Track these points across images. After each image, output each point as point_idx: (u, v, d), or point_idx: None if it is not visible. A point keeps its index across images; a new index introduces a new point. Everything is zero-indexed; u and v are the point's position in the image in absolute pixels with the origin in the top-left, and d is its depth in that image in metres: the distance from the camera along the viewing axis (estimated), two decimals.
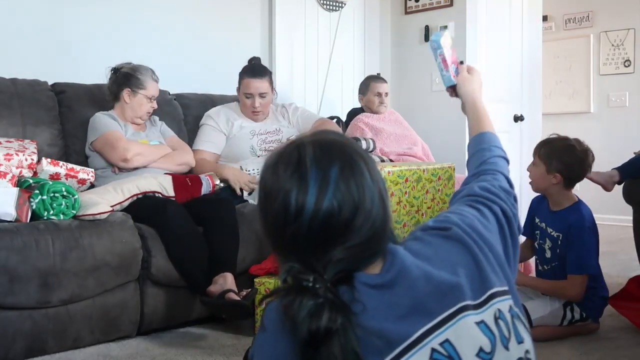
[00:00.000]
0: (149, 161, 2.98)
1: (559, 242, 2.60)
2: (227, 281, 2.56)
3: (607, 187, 2.92)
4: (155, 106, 3.15)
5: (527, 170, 2.72)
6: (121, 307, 2.51)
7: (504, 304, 1.00)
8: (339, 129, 3.59)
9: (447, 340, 0.92)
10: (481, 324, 0.95)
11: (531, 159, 2.73)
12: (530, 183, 2.72)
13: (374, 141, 3.72)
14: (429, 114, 4.76)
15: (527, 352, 1.00)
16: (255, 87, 3.36)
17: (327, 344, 0.87)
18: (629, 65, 5.40)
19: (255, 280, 2.67)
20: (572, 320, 2.58)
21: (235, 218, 2.79)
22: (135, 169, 2.94)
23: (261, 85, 3.38)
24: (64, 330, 2.37)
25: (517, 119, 4.90)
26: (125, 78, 3.07)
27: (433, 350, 0.90)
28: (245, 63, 3.49)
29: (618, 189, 3.00)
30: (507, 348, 0.97)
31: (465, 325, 0.94)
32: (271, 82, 3.44)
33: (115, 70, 3.11)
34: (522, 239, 3.17)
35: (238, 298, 2.48)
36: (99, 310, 2.45)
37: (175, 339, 2.57)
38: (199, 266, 2.62)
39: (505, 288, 1.02)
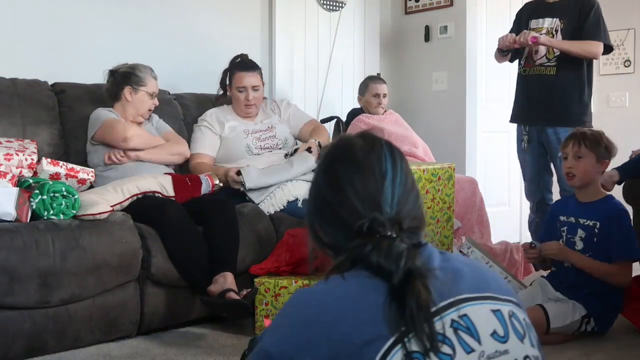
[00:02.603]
0: (146, 144, 3.04)
1: (596, 231, 2.60)
2: (227, 281, 2.56)
3: (607, 187, 2.92)
4: (157, 103, 3.17)
5: (569, 166, 2.67)
6: (121, 307, 2.51)
7: (519, 311, 1.08)
8: (328, 135, 3.57)
9: (466, 315, 1.00)
10: (497, 312, 1.03)
11: None
12: (571, 177, 2.68)
13: None
14: (429, 114, 4.76)
15: (534, 357, 1.05)
16: (248, 81, 3.38)
17: (413, 283, 0.97)
18: (629, 65, 5.39)
19: (255, 280, 2.67)
20: (584, 332, 2.57)
21: (235, 218, 2.79)
22: (134, 173, 2.94)
23: (253, 79, 3.40)
24: (64, 330, 2.37)
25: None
26: (125, 77, 3.08)
27: (453, 320, 0.99)
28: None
29: (618, 189, 3.00)
30: (521, 341, 1.04)
31: (484, 309, 1.02)
32: (262, 77, 3.47)
33: (113, 72, 3.12)
34: None
35: (238, 297, 2.49)
36: (99, 310, 2.45)
37: (175, 339, 2.56)
38: (199, 266, 2.62)
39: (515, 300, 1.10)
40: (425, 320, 0.96)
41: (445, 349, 0.96)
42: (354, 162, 1.10)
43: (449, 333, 0.97)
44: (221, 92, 3.54)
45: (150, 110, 3.16)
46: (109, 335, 2.49)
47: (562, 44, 3.46)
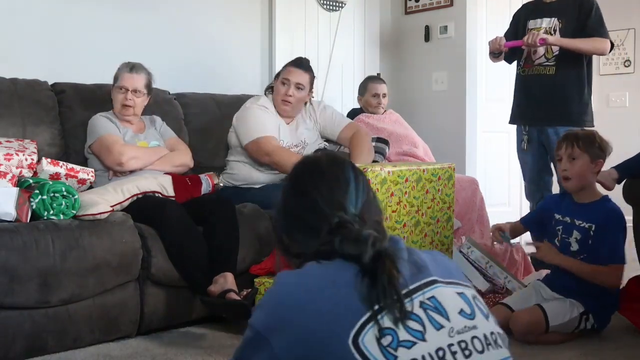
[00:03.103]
0: (145, 164, 2.97)
1: (591, 233, 2.59)
2: (227, 281, 2.56)
3: (608, 186, 2.92)
4: (130, 97, 3.02)
5: (563, 169, 2.67)
6: (121, 307, 2.51)
7: (480, 296, 1.18)
8: (369, 139, 3.46)
9: (433, 297, 1.09)
10: (462, 294, 1.13)
11: None
12: (566, 180, 2.67)
13: (388, 142, 3.68)
14: (429, 114, 4.76)
15: (499, 334, 1.14)
16: (294, 75, 3.33)
17: (384, 261, 1.06)
18: (629, 65, 5.39)
19: (255, 280, 2.67)
20: (584, 329, 2.57)
21: (235, 218, 2.79)
22: (133, 172, 2.94)
23: (301, 77, 3.34)
24: (64, 330, 2.37)
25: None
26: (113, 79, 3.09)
27: (421, 302, 1.07)
28: (245, 63, 3.49)
29: (618, 189, 3.00)
30: (486, 319, 1.12)
31: (449, 290, 1.12)
32: (312, 82, 3.42)
33: None
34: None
35: (239, 298, 2.49)
36: (99, 310, 2.45)
37: (175, 339, 2.56)
38: (199, 266, 2.62)
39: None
40: (395, 293, 1.04)
41: (416, 325, 1.04)
42: (319, 172, 1.25)
43: (419, 312, 1.06)
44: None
45: (125, 106, 3.03)
46: (109, 335, 2.49)
47: (573, 42, 3.46)
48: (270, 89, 3.46)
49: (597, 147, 2.64)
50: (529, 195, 3.76)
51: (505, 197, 4.91)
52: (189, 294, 2.66)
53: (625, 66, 5.41)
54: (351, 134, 3.43)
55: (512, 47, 3.63)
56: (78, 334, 2.40)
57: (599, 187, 2.78)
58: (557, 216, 2.72)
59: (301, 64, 3.39)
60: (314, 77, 3.45)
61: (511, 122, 3.81)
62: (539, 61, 3.58)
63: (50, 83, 3.21)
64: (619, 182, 2.97)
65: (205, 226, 2.72)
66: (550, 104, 3.54)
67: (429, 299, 1.08)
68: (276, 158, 3.19)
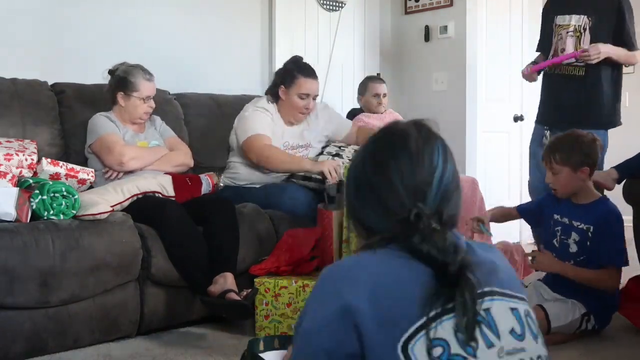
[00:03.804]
0: (145, 164, 2.97)
1: (589, 235, 2.58)
2: (227, 281, 2.56)
3: (608, 186, 2.91)
4: (153, 105, 3.09)
5: (547, 182, 2.66)
6: (121, 307, 2.51)
7: (530, 310, 1.10)
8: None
9: (488, 310, 1.02)
10: (515, 310, 1.05)
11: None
12: (554, 191, 2.67)
13: None
14: (429, 114, 4.74)
15: (546, 357, 1.08)
16: (313, 89, 3.30)
17: (466, 274, 1.00)
18: (629, 65, 5.39)
19: (255, 280, 2.67)
20: (585, 330, 2.57)
21: (235, 218, 2.79)
22: (132, 172, 2.93)
23: (317, 87, 3.33)
24: (64, 330, 2.36)
25: (517, 119, 4.90)
26: (118, 82, 3.04)
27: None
28: (245, 63, 3.48)
29: (617, 189, 3.00)
30: (535, 340, 1.06)
31: (504, 306, 1.04)
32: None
33: (111, 72, 3.10)
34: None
35: (239, 298, 2.48)
36: (99, 310, 2.45)
37: (175, 339, 2.56)
38: (199, 266, 2.62)
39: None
40: (473, 309, 0.98)
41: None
42: (406, 150, 1.10)
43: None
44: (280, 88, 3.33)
45: (146, 113, 3.08)
46: (109, 335, 2.49)
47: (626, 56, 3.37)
48: (273, 95, 3.35)
49: (580, 154, 2.58)
50: (534, 191, 3.59)
51: (505, 197, 4.90)
52: (189, 294, 2.65)
53: (626, 66, 5.40)
54: (355, 129, 3.54)
55: (541, 69, 3.50)
56: (78, 334, 2.40)
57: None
58: (556, 216, 2.71)
59: (313, 72, 3.33)
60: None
61: (537, 122, 3.64)
62: (568, 61, 3.39)
63: (50, 83, 3.20)
64: (618, 182, 2.97)
65: (205, 226, 2.72)
66: (580, 107, 3.38)
67: (484, 310, 1.01)
68: (266, 152, 3.17)
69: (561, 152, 2.60)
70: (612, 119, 3.44)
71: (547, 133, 3.47)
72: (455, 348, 0.97)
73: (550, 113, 3.52)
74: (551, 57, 3.48)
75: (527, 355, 1.03)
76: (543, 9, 3.68)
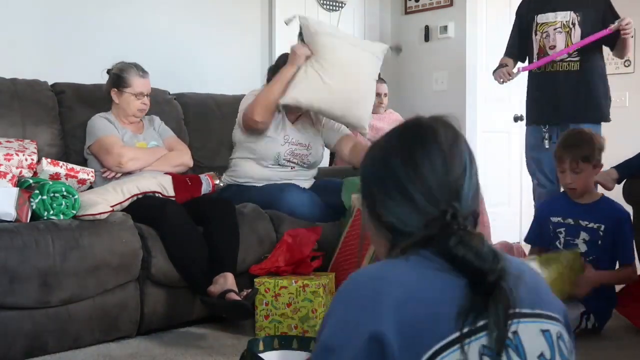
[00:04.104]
0: (144, 165, 2.97)
1: (600, 233, 2.59)
2: (227, 281, 2.56)
3: (608, 186, 2.91)
4: (147, 102, 3.07)
5: (569, 182, 2.63)
6: (121, 307, 2.51)
7: (565, 331, 1.02)
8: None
9: (516, 332, 0.94)
10: (547, 332, 0.98)
11: None
12: (571, 191, 2.66)
13: None
14: (429, 114, 4.75)
15: None
16: None
17: (502, 285, 0.92)
18: (629, 65, 5.39)
19: (255, 280, 2.67)
20: (585, 328, 2.57)
21: (235, 218, 2.79)
22: (131, 173, 2.93)
23: None
24: (64, 330, 2.36)
25: (517, 119, 4.90)
26: (112, 79, 3.05)
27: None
28: (245, 63, 3.47)
29: (617, 189, 3.00)
30: None
31: (534, 328, 0.97)
32: None
33: (108, 72, 3.11)
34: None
35: (239, 298, 2.48)
36: (99, 310, 2.45)
37: (175, 339, 2.56)
38: (199, 266, 2.62)
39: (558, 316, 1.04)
40: (505, 324, 0.91)
41: None
42: (437, 146, 1.03)
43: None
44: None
45: (140, 110, 3.07)
46: (109, 335, 2.49)
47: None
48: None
49: (598, 152, 2.63)
50: (543, 194, 3.47)
51: (505, 197, 4.91)
52: (189, 294, 2.66)
53: (625, 66, 5.40)
54: (351, 144, 3.36)
55: (534, 68, 3.44)
56: (78, 334, 2.40)
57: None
58: (555, 219, 2.71)
59: None
60: None
61: (529, 123, 3.57)
62: (561, 57, 3.36)
63: (50, 83, 3.21)
64: (618, 182, 2.97)
65: (205, 226, 2.72)
66: (577, 101, 3.35)
67: (512, 333, 0.93)
68: (253, 103, 3.14)
69: (584, 150, 2.61)
70: (607, 112, 3.42)
71: (547, 135, 3.42)
72: None
73: (549, 112, 3.45)
74: (537, 56, 3.44)
75: None
76: (517, 10, 3.63)
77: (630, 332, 2.65)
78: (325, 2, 4.60)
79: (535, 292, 1.00)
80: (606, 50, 3.50)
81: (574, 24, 3.36)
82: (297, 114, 3.35)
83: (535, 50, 3.46)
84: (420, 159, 1.02)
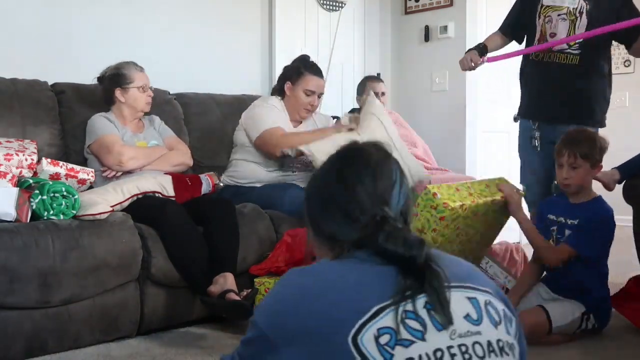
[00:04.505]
0: (144, 164, 2.98)
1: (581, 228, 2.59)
2: (227, 281, 2.56)
3: (609, 186, 2.91)
4: (151, 94, 3.11)
5: (565, 177, 2.61)
6: (121, 307, 2.51)
7: (497, 302, 1.13)
8: None
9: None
10: (473, 299, 1.10)
11: None
12: (565, 187, 2.65)
13: None
14: (429, 114, 4.76)
15: (508, 343, 1.10)
16: (320, 86, 3.36)
17: (432, 266, 1.07)
18: (629, 65, 5.40)
19: (255, 280, 2.67)
20: (585, 329, 2.57)
21: (235, 218, 2.79)
22: (131, 172, 2.93)
23: (322, 85, 3.38)
24: (64, 330, 2.37)
25: (517, 119, 4.89)
26: (112, 79, 3.05)
27: (426, 302, 1.06)
28: (245, 63, 3.47)
29: (618, 188, 3.00)
30: (495, 327, 1.09)
31: (460, 295, 1.09)
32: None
33: (100, 79, 3.11)
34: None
35: (239, 298, 2.48)
36: (99, 310, 2.45)
37: (175, 339, 2.56)
38: (199, 266, 2.62)
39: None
40: (442, 292, 1.05)
41: (416, 325, 1.03)
42: (367, 165, 1.19)
43: (422, 313, 1.04)
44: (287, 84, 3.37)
45: (148, 103, 3.10)
46: (109, 335, 2.49)
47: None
48: (278, 92, 3.42)
49: (598, 152, 2.61)
50: (538, 196, 3.17)
51: None
52: (189, 294, 2.66)
53: (625, 66, 5.41)
54: None
55: (522, 54, 3.18)
56: (78, 334, 2.40)
57: (596, 187, 2.78)
58: (551, 217, 2.72)
59: (318, 70, 3.39)
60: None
61: (520, 116, 3.28)
62: (560, 47, 3.00)
63: (50, 83, 3.21)
64: (619, 183, 2.97)
65: (205, 226, 2.72)
66: (571, 99, 3.04)
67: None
68: (290, 142, 3.17)
69: (585, 147, 2.60)
70: (600, 117, 3.11)
71: (537, 134, 3.14)
72: (403, 333, 1.02)
73: (537, 105, 3.16)
74: (537, 42, 3.09)
75: (484, 338, 1.07)
76: None
77: (630, 332, 2.65)
78: (325, 2, 4.60)
79: (466, 272, 1.15)
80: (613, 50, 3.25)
81: (581, 13, 2.98)
82: (299, 121, 3.40)
83: (537, 36, 3.10)
84: (350, 178, 1.18)
